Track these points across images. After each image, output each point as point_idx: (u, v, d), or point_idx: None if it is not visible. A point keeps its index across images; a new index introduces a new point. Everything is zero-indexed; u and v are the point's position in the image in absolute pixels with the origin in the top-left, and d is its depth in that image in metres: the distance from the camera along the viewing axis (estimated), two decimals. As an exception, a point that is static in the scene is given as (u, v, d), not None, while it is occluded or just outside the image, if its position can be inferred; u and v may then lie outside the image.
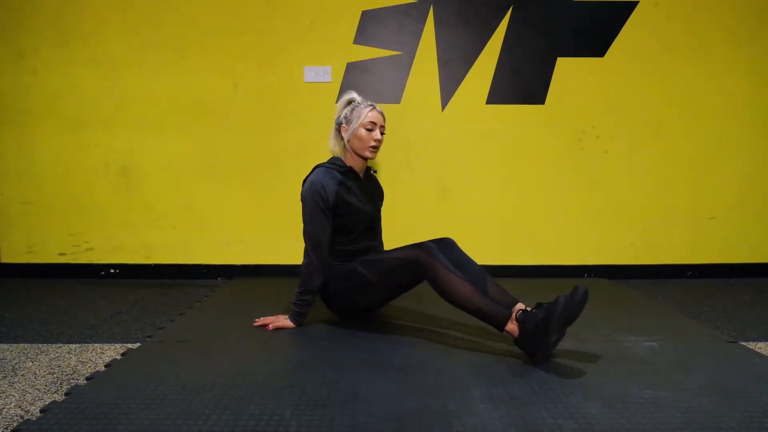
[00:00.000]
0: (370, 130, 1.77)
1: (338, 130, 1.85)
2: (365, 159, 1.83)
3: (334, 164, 1.81)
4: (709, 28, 2.63)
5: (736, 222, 2.73)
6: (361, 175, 1.87)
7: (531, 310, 1.46)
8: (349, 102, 1.84)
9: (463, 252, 1.75)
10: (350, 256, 1.81)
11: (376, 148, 1.79)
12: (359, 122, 1.76)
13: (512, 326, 1.46)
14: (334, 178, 1.76)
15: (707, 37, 2.64)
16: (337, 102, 1.91)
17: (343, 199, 1.75)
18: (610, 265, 2.75)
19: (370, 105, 1.80)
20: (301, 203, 1.76)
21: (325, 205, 1.72)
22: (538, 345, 1.42)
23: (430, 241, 1.67)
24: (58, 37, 2.61)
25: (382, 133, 1.80)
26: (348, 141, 1.80)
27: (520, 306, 1.58)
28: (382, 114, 1.81)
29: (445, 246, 1.71)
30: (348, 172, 1.81)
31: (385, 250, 1.78)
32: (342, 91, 2.64)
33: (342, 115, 1.82)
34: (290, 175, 2.62)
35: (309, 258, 1.75)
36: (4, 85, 2.64)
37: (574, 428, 1.10)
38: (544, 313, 1.39)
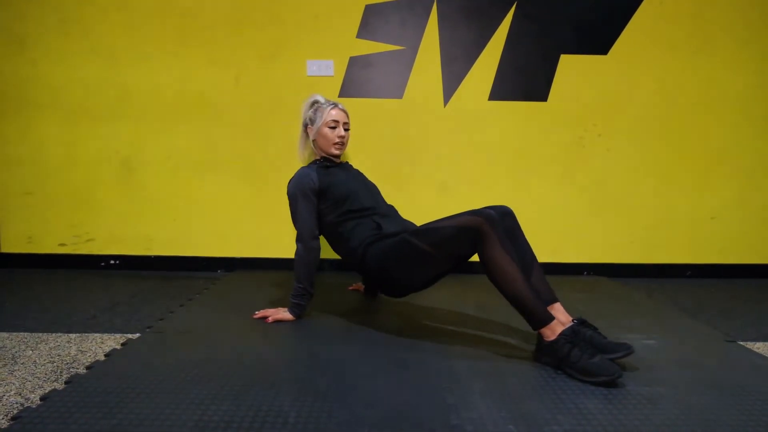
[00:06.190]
0: (333, 128, 1.86)
1: (305, 131, 1.94)
2: (332, 156, 1.91)
3: (311, 163, 1.94)
4: (713, 27, 2.63)
5: (736, 222, 2.73)
6: (337, 161, 1.96)
7: (575, 324, 1.44)
8: (313, 104, 1.92)
9: (519, 226, 1.66)
10: (377, 225, 1.76)
11: (340, 144, 1.89)
12: (322, 121, 1.86)
13: (547, 331, 1.40)
14: (312, 169, 1.86)
15: (711, 35, 2.63)
16: (302, 104, 1.96)
17: (327, 178, 1.83)
18: (609, 263, 2.75)
19: (332, 104, 1.89)
20: (288, 200, 1.84)
21: (310, 191, 1.80)
22: (558, 366, 1.39)
23: (489, 208, 1.51)
24: (60, 27, 2.60)
25: (345, 130, 1.89)
26: (314, 141, 1.91)
27: (559, 308, 1.54)
28: (344, 111, 1.90)
29: (504, 216, 1.61)
30: (324, 159, 1.92)
31: (437, 219, 1.60)
32: (345, 86, 2.63)
33: (307, 117, 1.92)
34: (291, 169, 2.58)
35: (301, 249, 1.80)
36: (6, 76, 2.63)
37: (572, 423, 1.10)
38: (593, 365, 1.32)
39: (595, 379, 1.30)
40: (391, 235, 1.70)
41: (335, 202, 1.80)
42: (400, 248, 1.62)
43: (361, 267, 1.77)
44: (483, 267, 1.47)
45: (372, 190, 1.95)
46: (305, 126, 1.94)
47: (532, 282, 1.54)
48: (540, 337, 1.44)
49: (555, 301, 1.56)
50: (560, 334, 1.38)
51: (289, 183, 1.85)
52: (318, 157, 1.95)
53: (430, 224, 1.59)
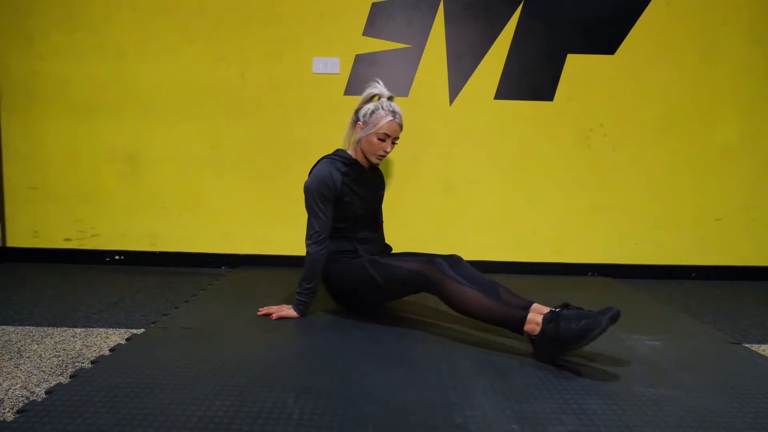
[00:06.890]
0: (381, 140, 1.76)
1: (355, 124, 1.83)
2: (369, 161, 1.85)
3: (340, 156, 1.83)
4: (720, 28, 2.61)
5: (742, 224, 2.71)
6: (366, 166, 1.88)
7: (559, 310, 1.43)
8: (372, 98, 1.81)
9: (472, 267, 1.74)
10: (354, 249, 1.83)
11: (382, 157, 1.81)
12: (374, 130, 1.75)
13: (531, 326, 1.43)
14: (338, 170, 1.78)
15: (718, 36, 2.62)
16: (363, 92, 1.83)
17: (347, 189, 1.78)
18: (614, 264, 2.74)
19: (392, 112, 1.75)
20: (304, 193, 1.76)
21: (330, 195, 1.74)
22: (557, 351, 1.40)
23: (439, 256, 1.68)
24: (67, 23, 2.61)
25: (393, 143, 1.80)
26: (359, 140, 1.81)
27: (537, 306, 1.56)
28: (400, 125, 1.78)
29: (455, 262, 1.72)
30: (353, 163, 1.84)
31: (395, 255, 1.75)
32: (350, 83, 2.63)
33: (362, 112, 1.79)
34: (296, 166, 2.63)
35: (311, 247, 1.76)
36: (13, 71, 2.64)
37: (575, 423, 1.10)
38: (581, 328, 1.33)
39: (589, 337, 1.31)
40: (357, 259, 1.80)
41: (339, 217, 1.80)
42: (356, 272, 1.75)
43: (322, 276, 1.86)
44: (448, 306, 1.57)
45: (376, 213, 1.97)
46: (356, 120, 1.81)
47: (503, 300, 1.57)
48: (530, 337, 1.46)
49: (530, 304, 1.59)
50: (543, 321, 1.41)
51: (309, 176, 1.77)
52: (352, 152, 1.85)
53: (388, 259, 1.73)
